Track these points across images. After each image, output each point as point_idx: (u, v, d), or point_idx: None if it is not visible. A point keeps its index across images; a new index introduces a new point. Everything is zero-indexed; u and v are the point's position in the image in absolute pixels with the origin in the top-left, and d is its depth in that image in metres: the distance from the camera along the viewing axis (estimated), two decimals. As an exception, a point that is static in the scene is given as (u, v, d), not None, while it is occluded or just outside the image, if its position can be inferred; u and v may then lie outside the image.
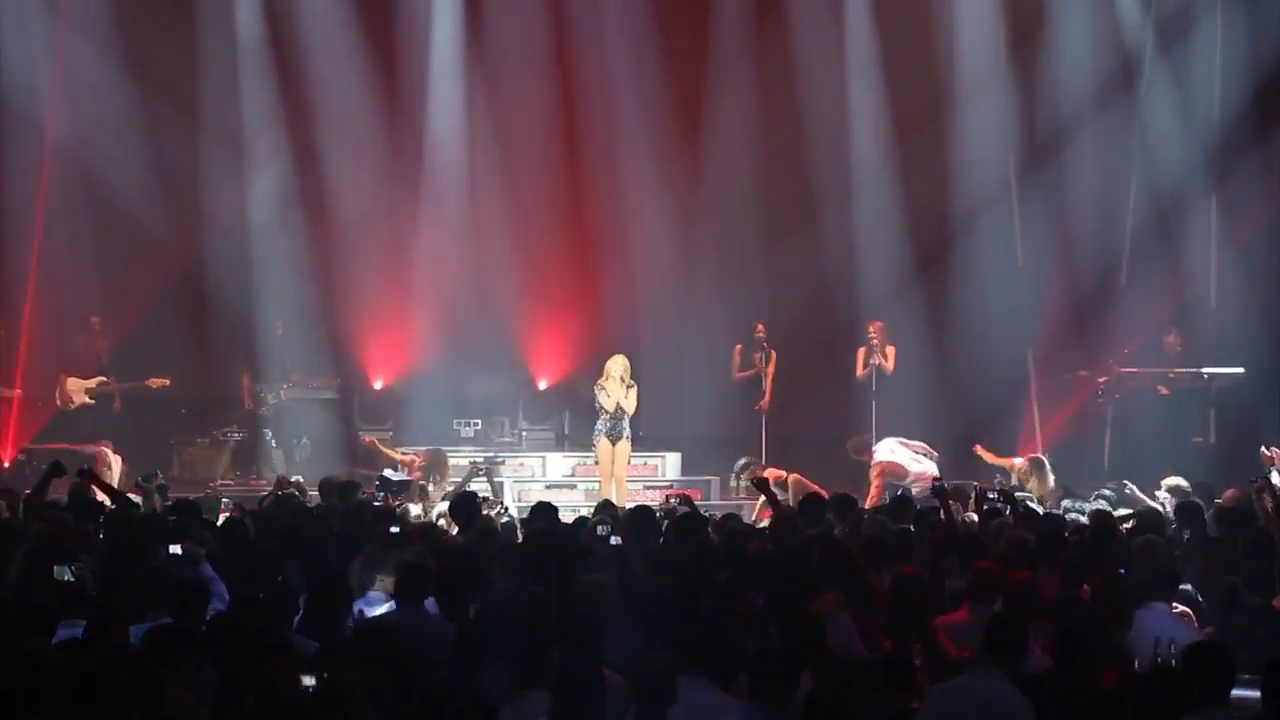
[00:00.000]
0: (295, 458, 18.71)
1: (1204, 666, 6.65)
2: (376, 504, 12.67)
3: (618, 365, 16.30)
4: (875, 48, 19.74)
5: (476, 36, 19.73)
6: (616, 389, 16.23)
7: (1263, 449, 14.56)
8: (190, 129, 19.08)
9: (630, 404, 16.37)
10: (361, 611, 8.32)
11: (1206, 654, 6.77)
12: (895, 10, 19.65)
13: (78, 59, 18.64)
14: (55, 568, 8.06)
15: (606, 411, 16.28)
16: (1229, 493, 13.05)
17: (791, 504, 13.05)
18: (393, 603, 8.43)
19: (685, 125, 19.97)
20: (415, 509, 13.04)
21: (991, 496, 12.17)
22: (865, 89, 19.81)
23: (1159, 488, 13.86)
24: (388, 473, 15.03)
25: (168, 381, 18.38)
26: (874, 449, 16.63)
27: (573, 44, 19.74)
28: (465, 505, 11.62)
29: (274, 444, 18.52)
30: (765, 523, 12.56)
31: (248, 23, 19.09)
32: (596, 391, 16.37)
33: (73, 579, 8.01)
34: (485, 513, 11.92)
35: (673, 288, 20.04)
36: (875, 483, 16.03)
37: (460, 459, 17.46)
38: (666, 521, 11.44)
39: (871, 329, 18.62)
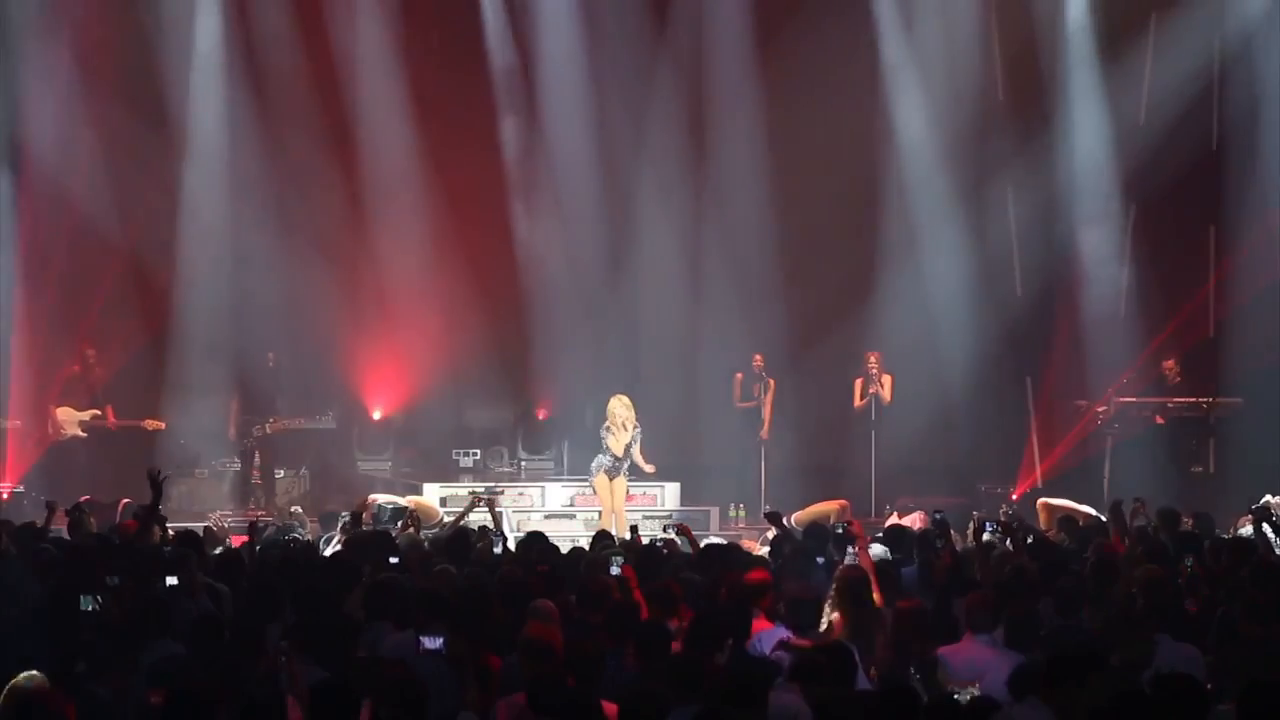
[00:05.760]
0: (293, 490, 18.71)
1: (1177, 696, 6.61)
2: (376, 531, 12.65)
3: (620, 409, 16.37)
4: (890, 82, 19.87)
5: (479, 66, 19.80)
6: (623, 435, 16.32)
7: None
8: (179, 158, 19.13)
9: (635, 450, 16.37)
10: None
11: (1179, 684, 6.72)
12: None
13: (63, 91, 18.67)
14: (81, 597, 8.15)
15: (614, 454, 16.35)
16: (1243, 519, 13.04)
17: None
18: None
19: (690, 155, 20.03)
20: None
21: (990, 527, 12.13)
22: (870, 121, 19.91)
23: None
24: (383, 501, 15.03)
25: (163, 425, 18.32)
26: None
27: (577, 75, 19.81)
28: (459, 544, 11.54)
29: (258, 477, 18.48)
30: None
31: (238, 59, 19.14)
32: (604, 433, 16.45)
33: (96, 609, 8.10)
34: (481, 544, 11.86)
35: (672, 318, 20.05)
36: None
37: (459, 490, 17.58)
38: (666, 550, 11.44)
39: (870, 358, 18.66)
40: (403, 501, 15.33)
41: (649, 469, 16.52)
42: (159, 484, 11.14)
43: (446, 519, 15.01)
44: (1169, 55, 19.37)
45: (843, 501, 16.07)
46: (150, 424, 18.25)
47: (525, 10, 19.82)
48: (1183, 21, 19.27)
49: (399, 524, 13.41)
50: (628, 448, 16.33)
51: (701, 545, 11.68)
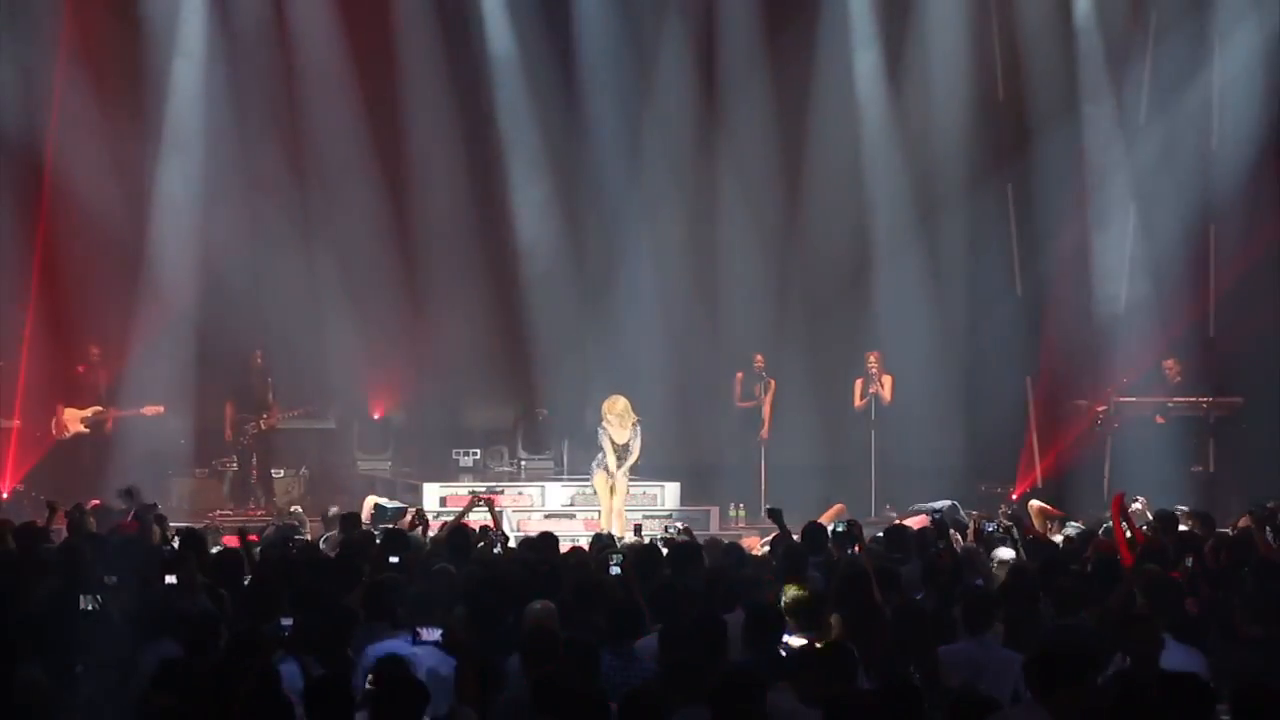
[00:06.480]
0: (292, 490, 18.72)
1: (1183, 697, 6.59)
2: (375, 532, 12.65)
3: (612, 415, 16.36)
4: (882, 80, 19.87)
5: (477, 55, 19.79)
6: (618, 432, 16.30)
7: None
8: (184, 157, 19.11)
9: (634, 452, 16.35)
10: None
11: (1184, 684, 6.71)
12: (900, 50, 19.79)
13: (75, 92, 18.65)
14: (82, 597, 8.17)
15: (606, 453, 16.35)
16: (1242, 520, 13.04)
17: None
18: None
19: (691, 154, 20.01)
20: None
21: (990, 528, 12.12)
22: (871, 121, 19.91)
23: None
24: (383, 501, 15.01)
25: (161, 409, 18.33)
26: None
27: (579, 70, 19.82)
28: (459, 543, 11.54)
29: (257, 477, 18.49)
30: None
31: (238, 58, 19.11)
32: (599, 434, 16.45)
33: (96, 609, 8.13)
34: (482, 544, 11.87)
35: (673, 317, 20.04)
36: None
37: (459, 489, 17.58)
38: (668, 550, 11.44)
39: (870, 358, 18.66)
40: (399, 504, 15.33)
41: (621, 472, 16.49)
42: (133, 496, 11.28)
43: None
44: (1169, 55, 19.37)
45: (839, 506, 16.08)
46: (149, 410, 18.23)
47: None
48: (1183, 21, 19.26)
49: (399, 524, 13.41)
50: (626, 446, 16.28)
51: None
